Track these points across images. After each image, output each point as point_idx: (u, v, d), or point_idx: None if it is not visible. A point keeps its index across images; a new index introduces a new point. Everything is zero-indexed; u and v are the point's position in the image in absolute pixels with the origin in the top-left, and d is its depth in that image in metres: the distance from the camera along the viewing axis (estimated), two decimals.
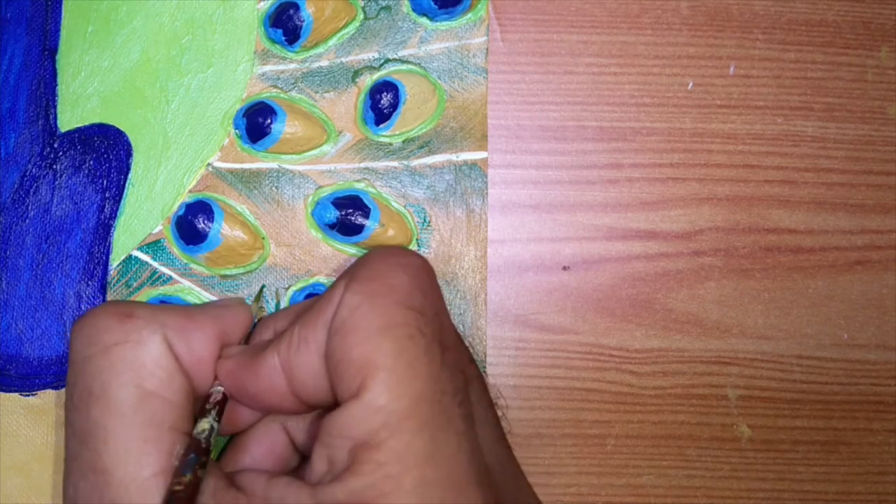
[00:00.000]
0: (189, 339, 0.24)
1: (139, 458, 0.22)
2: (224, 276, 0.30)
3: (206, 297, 0.30)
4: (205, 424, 0.23)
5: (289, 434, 0.26)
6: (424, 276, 0.23)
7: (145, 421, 0.22)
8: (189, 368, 0.24)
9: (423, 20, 0.31)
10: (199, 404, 0.24)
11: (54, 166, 0.30)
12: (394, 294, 0.22)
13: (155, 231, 0.30)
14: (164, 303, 0.30)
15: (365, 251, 0.30)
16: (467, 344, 0.30)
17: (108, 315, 0.23)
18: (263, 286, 0.30)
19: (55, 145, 0.30)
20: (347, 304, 0.22)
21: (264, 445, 0.26)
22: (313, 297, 0.29)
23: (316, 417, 0.25)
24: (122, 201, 0.30)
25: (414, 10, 0.31)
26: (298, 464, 0.26)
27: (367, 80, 0.31)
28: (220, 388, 0.24)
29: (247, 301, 0.29)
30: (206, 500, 0.22)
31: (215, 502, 0.22)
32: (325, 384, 0.23)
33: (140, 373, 0.23)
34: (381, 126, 0.31)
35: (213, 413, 0.23)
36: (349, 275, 0.23)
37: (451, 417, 0.22)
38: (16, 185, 0.30)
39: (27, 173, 0.30)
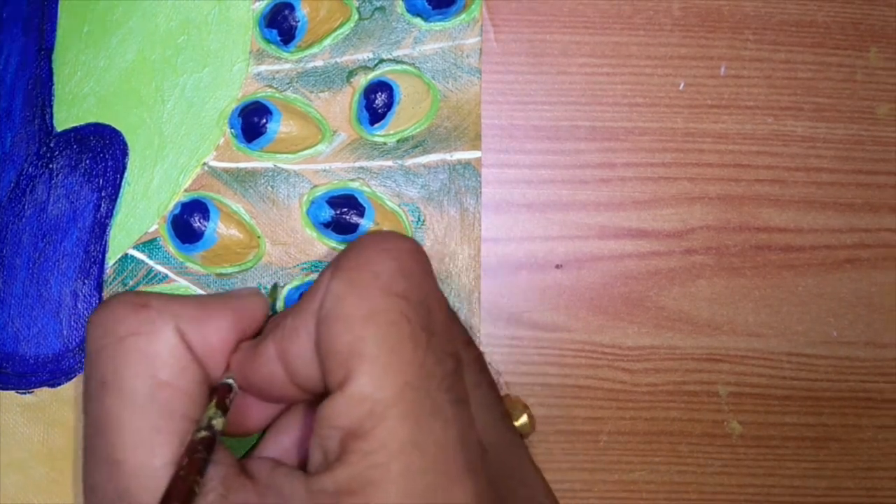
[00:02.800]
0: (202, 330, 0.24)
1: (151, 448, 0.22)
2: (220, 275, 0.30)
3: (202, 295, 0.30)
4: (210, 411, 0.23)
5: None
6: (411, 260, 0.23)
7: (158, 410, 0.22)
8: (202, 358, 0.24)
9: (418, 21, 0.31)
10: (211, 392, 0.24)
11: (50, 165, 0.30)
12: (377, 281, 0.22)
13: (151, 230, 0.30)
14: None
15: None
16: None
17: (122, 305, 0.23)
18: (277, 283, 0.30)
19: (51, 144, 0.30)
20: (333, 292, 0.22)
21: (291, 436, 0.26)
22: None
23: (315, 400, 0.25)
24: (118, 200, 0.30)
25: (408, 10, 0.31)
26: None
27: (362, 80, 0.31)
28: (229, 378, 0.24)
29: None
30: (216, 486, 0.22)
31: (225, 488, 0.22)
32: (319, 372, 0.23)
33: (153, 363, 0.23)
34: (376, 126, 0.31)
35: (214, 401, 0.23)
36: (336, 263, 0.23)
37: (438, 403, 0.21)
38: (12, 185, 0.30)
39: (23, 172, 0.30)
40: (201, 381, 0.23)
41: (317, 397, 0.24)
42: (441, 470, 0.21)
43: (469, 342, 0.27)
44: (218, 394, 0.24)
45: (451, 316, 0.25)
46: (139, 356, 0.23)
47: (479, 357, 0.26)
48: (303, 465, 0.23)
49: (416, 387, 0.21)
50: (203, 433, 0.22)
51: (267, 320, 0.26)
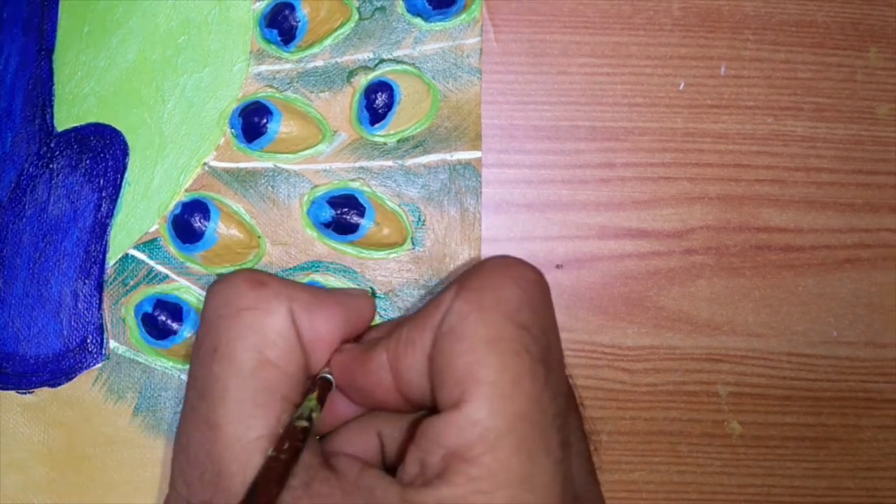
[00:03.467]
0: (312, 317, 0.24)
1: (249, 420, 0.22)
2: (220, 275, 0.30)
3: (203, 296, 0.30)
4: (311, 402, 0.24)
5: (381, 440, 0.26)
6: (537, 292, 0.23)
7: (260, 386, 0.23)
8: (307, 345, 0.24)
9: (418, 21, 0.31)
10: (311, 380, 0.25)
11: (51, 165, 0.30)
12: (503, 307, 0.22)
13: (151, 230, 0.30)
14: (161, 301, 0.30)
15: (362, 250, 0.30)
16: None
17: (243, 281, 0.24)
18: (374, 289, 0.30)
19: (52, 144, 0.30)
20: (456, 311, 0.22)
21: (356, 447, 0.26)
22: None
23: (410, 426, 0.26)
24: (119, 200, 0.30)
25: (408, 10, 0.31)
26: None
27: (362, 81, 0.31)
28: (328, 374, 0.25)
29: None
30: (300, 472, 0.22)
31: (308, 476, 0.22)
32: (429, 386, 0.23)
33: (263, 340, 0.23)
34: (376, 126, 0.31)
35: (316, 394, 0.24)
36: (461, 282, 0.23)
37: (549, 441, 0.21)
38: (13, 185, 0.30)
39: (24, 172, 0.30)
40: (303, 366, 0.24)
41: (412, 408, 0.24)
42: None
43: (571, 390, 0.26)
44: (320, 387, 0.24)
45: (563, 357, 0.25)
46: (251, 331, 0.23)
47: (577, 406, 0.26)
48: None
49: (531, 420, 0.21)
50: (303, 423, 0.23)
51: (372, 320, 0.27)
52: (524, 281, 0.23)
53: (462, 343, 0.22)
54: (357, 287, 0.30)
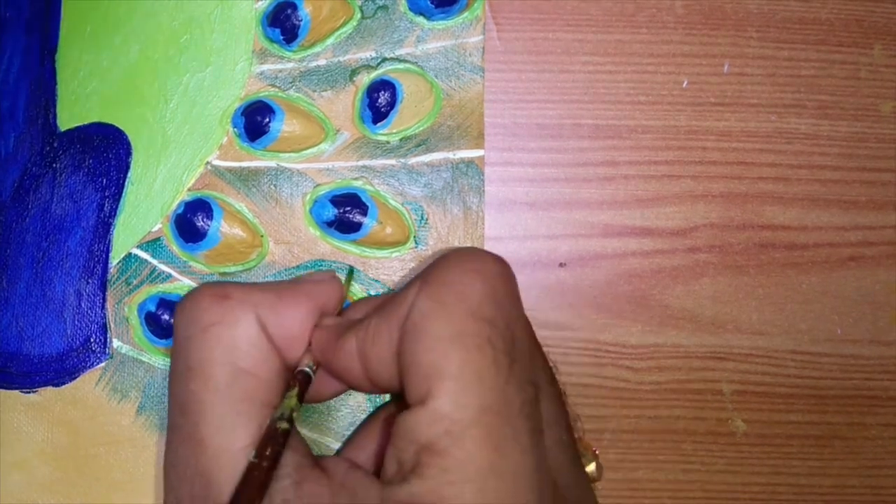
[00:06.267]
0: (281, 318, 0.25)
1: (232, 431, 0.23)
2: (223, 274, 0.30)
3: None
4: (291, 401, 0.24)
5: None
6: (500, 284, 0.23)
7: (238, 396, 0.23)
8: (280, 344, 0.25)
9: (420, 19, 0.31)
10: (290, 376, 0.25)
11: (54, 165, 0.30)
12: (465, 302, 0.22)
13: (154, 229, 0.30)
14: (164, 300, 0.30)
15: (365, 248, 0.30)
16: None
17: (206, 296, 0.24)
18: (352, 268, 0.30)
19: (55, 144, 0.30)
20: (419, 308, 0.23)
21: (368, 450, 0.26)
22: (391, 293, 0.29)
23: (384, 425, 0.27)
24: (122, 200, 0.30)
25: (411, 9, 0.31)
26: None
27: (365, 79, 0.31)
28: (306, 367, 0.25)
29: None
30: (289, 472, 0.23)
31: (299, 476, 0.23)
32: (396, 376, 0.23)
33: (234, 352, 0.24)
34: (379, 124, 0.31)
35: (296, 391, 0.24)
36: (424, 276, 0.23)
37: (516, 431, 0.22)
38: (16, 184, 0.30)
39: (27, 172, 0.30)
40: (280, 368, 0.24)
41: (382, 392, 0.25)
42: (514, 497, 0.21)
43: (552, 379, 0.27)
44: (299, 384, 0.25)
45: (535, 345, 0.25)
46: (221, 345, 0.24)
47: (559, 394, 0.27)
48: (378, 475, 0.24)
49: (496, 411, 0.21)
50: (283, 425, 0.23)
51: (342, 302, 0.27)
52: (487, 274, 0.23)
53: (426, 340, 0.22)
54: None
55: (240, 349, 0.24)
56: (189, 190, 0.31)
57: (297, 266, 0.31)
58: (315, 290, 0.26)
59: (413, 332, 0.22)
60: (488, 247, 0.31)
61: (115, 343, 0.30)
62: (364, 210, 0.30)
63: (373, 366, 0.24)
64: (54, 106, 0.31)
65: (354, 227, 0.30)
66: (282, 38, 0.31)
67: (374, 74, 0.31)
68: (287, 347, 0.25)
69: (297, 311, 0.25)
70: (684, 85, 0.32)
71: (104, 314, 0.30)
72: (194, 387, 0.23)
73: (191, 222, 0.30)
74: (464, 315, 0.22)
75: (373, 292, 0.30)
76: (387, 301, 0.24)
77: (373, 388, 0.25)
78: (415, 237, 0.31)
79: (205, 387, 0.23)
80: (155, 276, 0.30)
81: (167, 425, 0.24)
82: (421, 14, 0.31)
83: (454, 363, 0.22)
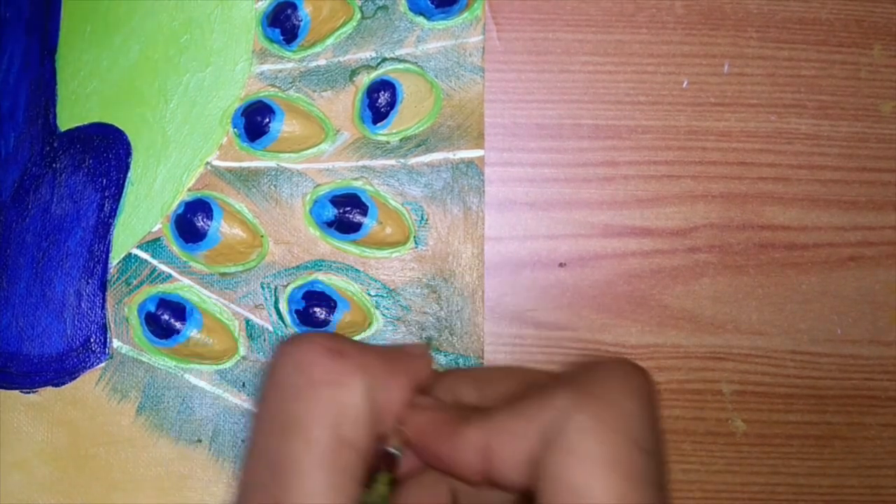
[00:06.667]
0: (388, 390, 0.23)
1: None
2: (223, 274, 0.30)
3: (206, 294, 0.30)
4: (381, 488, 0.23)
5: (455, 499, 0.25)
6: (653, 405, 0.22)
7: (338, 468, 0.22)
8: (379, 416, 0.23)
9: (420, 19, 0.31)
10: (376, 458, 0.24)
11: (54, 165, 0.30)
12: (623, 425, 0.22)
13: (154, 229, 0.30)
14: (164, 300, 0.30)
15: (365, 249, 0.30)
16: (467, 341, 0.30)
17: (319, 348, 0.23)
18: (431, 337, 0.30)
19: (55, 144, 0.30)
20: (575, 422, 0.21)
21: (430, 500, 0.25)
22: (525, 388, 0.26)
23: (489, 488, 0.25)
24: (122, 200, 0.30)
25: (411, 9, 0.31)
26: None
27: (365, 79, 0.31)
28: (394, 449, 0.24)
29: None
30: None
31: None
32: (523, 479, 0.22)
33: (341, 418, 0.22)
34: (379, 125, 0.31)
35: (389, 478, 0.23)
36: (576, 385, 0.22)
37: None
38: (16, 184, 0.30)
39: (27, 172, 0.30)
40: (374, 440, 0.23)
41: (493, 488, 0.23)
42: None
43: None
44: (392, 468, 0.24)
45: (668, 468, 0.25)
46: (329, 408, 0.22)
47: None
48: None
49: None
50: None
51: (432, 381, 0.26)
52: (641, 394, 0.22)
53: (578, 458, 0.21)
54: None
55: (347, 416, 0.22)
56: (189, 190, 0.31)
57: (297, 266, 0.31)
58: (414, 365, 0.25)
59: (564, 446, 0.21)
60: (488, 247, 0.31)
61: (115, 343, 0.30)
62: (364, 210, 0.30)
63: (498, 465, 0.22)
64: (54, 106, 0.31)
65: (354, 228, 0.30)
66: (282, 38, 0.31)
67: (374, 74, 0.31)
68: (381, 422, 0.23)
69: (400, 384, 0.24)
70: (684, 85, 0.32)
71: (104, 314, 0.30)
72: (295, 448, 0.22)
73: (191, 222, 0.30)
74: (623, 440, 0.21)
75: (373, 292, 0.30)
76: (518, 398, 0.23)
77: (484, 483, 0.23)
78: (415, 237, 0.31)
79: (306, 450, 0.22)
80: (155, 277, 0.30)
81: (244, 477, 0.23)
82: (421, 14, 0.31)
83: (607, 492, 0.21)
